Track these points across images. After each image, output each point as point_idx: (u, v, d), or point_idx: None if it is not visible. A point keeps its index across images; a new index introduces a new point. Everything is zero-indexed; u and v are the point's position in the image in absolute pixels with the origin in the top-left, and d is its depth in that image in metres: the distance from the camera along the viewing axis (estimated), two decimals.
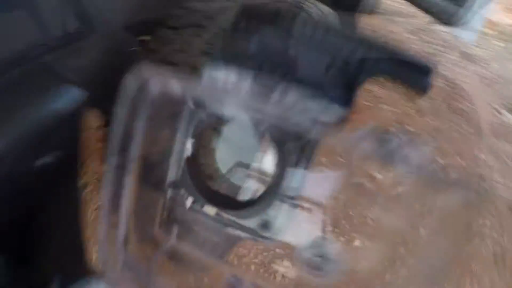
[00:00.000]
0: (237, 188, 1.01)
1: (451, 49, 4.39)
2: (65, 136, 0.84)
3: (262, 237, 0.89)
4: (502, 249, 2.44)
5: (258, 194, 1.49)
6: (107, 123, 1.00)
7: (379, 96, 2.98)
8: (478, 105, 3.67)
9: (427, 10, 2.79)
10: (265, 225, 0.88)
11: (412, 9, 4.75)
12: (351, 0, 1.60)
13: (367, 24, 3.97)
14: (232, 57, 0.78)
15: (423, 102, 3.18)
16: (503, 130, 3.56)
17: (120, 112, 0.75)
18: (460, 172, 2.82)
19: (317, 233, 0.87)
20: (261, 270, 1.87)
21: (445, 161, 2.80)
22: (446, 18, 2.49)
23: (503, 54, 5.06)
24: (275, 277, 1.86)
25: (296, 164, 0.85)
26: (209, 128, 0.93)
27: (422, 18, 4.71)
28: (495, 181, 2.96)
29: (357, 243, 2.02)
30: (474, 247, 2.37)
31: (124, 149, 0.77)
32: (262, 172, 1.47)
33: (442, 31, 4.64)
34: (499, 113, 3.81)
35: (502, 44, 5.34)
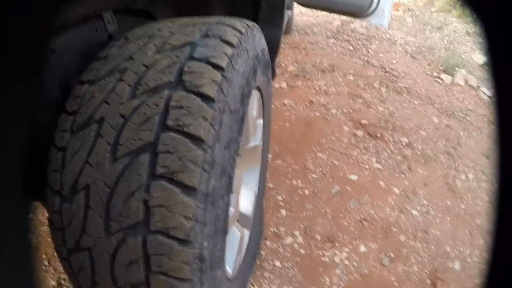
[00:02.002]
0: None
1: (371, 38, 4.63)
2: None
3: None
4: None
5: None
6: None
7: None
8: (414, 77, 3.85)
9: (338, 11, 2.93)
10: None
11: (325, 16, 4.99)
12: (271, 16, 1.63)
13: (287, 42, 4.13)
14: None
15: (364, 94, 3.29)
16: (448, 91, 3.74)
17: None
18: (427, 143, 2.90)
19: None
20: None
21: (409, 139, 2.88)
22: (358, 12, 2.63)
23: (414, 27, 5.42)
24: None
25: None
26: None
27: (337, 21, 4.97)
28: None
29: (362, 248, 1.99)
30: None
31: None
32: None
33: (359, 26, 4.90)
34: (438, 77, 4.01)
35: (410, 19, 5.73)
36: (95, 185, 0.79)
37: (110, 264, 0.79)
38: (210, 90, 0.80)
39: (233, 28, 0.97)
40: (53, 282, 1.63)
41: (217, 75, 0.83)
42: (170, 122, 0.77)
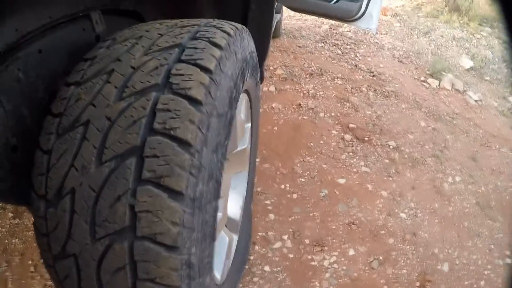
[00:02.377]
0: None
1: (359, 43, 4.66)
2: None
3: None
4: None
5: None
6: None
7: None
8: (401, 81, 3.88)
9: (327, 15, 2.95)
10: None
11: (313, 20, 5.01)
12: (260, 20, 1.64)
13: (276, 46, 4.13)
14: None
15: (352, 97, 3.30)
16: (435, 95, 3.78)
17: None
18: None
19: None
20: None
21: (397, 143, 2.89)
22: (346, 16, 2.65)
23: (402, 32, 5.47)
24: None
25: None
26: None
27: (325, 25, 4.99)
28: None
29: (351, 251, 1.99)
30: None
31: None
32: None
33: (347, 30, 4.93)
34: (425, 82, 4.05)
35: (398, 24, 5.78)
36: (80, 189, 0.77)
37: (96, 271, 0.77)
38: (197, 93, 0.79)
39: (222, 30, 0.96)
40: None
41: (205, 78, 0.81)
42: (157, 125, 0.76)
